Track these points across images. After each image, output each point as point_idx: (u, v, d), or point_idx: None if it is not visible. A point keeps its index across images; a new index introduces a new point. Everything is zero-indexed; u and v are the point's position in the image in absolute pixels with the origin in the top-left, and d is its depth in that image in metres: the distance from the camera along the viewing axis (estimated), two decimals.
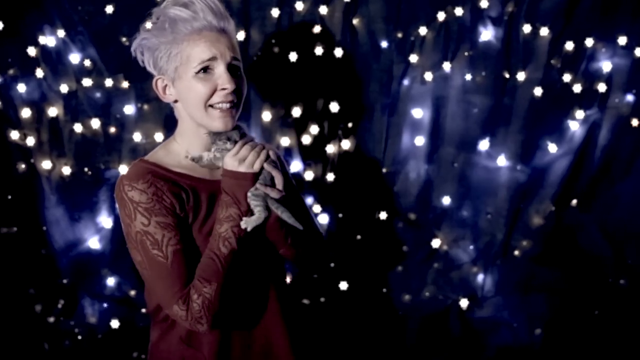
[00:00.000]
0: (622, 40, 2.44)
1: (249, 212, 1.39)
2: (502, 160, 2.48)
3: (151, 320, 1.54)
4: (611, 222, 2.54)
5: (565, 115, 2.47)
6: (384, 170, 2.49)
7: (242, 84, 1.43)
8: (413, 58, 2.43)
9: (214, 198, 1.43)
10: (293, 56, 2.37)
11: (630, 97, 2.47)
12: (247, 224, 1.38)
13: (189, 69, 1.37)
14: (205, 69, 1.37)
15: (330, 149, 2.45)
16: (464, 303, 2.54)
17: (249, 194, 1.38)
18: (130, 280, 2.46)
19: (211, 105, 1.39)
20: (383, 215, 2.48)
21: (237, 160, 1.38)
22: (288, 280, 2.32)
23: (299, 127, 2.44)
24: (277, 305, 1.50)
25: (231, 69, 1.40)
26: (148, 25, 1.43)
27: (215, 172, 1.48)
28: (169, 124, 2.34)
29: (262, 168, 1.40)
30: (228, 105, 1.39)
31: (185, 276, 1.36)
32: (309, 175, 2.45)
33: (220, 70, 1.37)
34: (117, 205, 1.43)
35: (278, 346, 1.49)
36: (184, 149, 1.46)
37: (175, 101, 1.45)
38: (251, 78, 2.38)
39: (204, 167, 1.47)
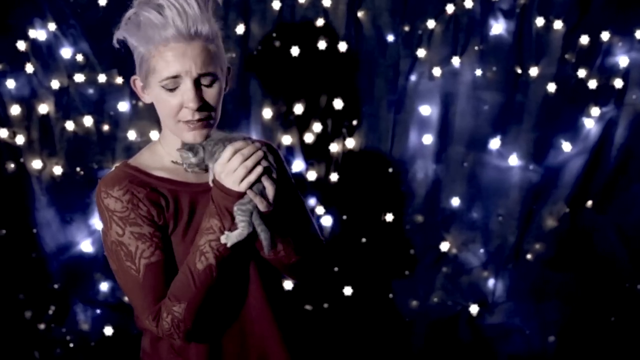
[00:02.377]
0: None
1: (234, 227, 1.31)
2: (513, 160, 2.46)
3: (140, 329, 1.51)
4: (628, 224, 2.52)
5: (580, 112, 2.45)
6: (390, 170, 2.47)
7: (214, 96, 1.35)
8: (421, 53, 2.42)
9: (197, 204, 1.38)
10: (295, 51, 2.37)
11: None
12: (228, 239, 1.29)
13: (155, 81, 1.32)
14: (171, 87, 1.31)
15: (334, 147, 2.44)
16: (474, 309, 2.52)
17: (235, 207, 1.29)
18: None
19: (179, 120, 1.34)
20: (389, 217, 2.47)
21: (225, 171, 1.29)
22: (290, 285, 2.33)
23: (301, 125, 2.43)
24: (272, 313, 1.45)
25: (199, 82, 1.31)
26: (126, 19, 1.35)
27: (200, 175, 1.42)
28: None
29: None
30: (197, 122, 1.33)
31: (157, 291, 1.32)
32: (311, 176, 2.44)
33: (185, 86, 1.30)
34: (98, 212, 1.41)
35: (274, 355, 1.45)
36: (166, 151, 1.42)
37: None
38: (251, 73, 2.38)
39: (189, 170, 1.41)
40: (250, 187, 1.27)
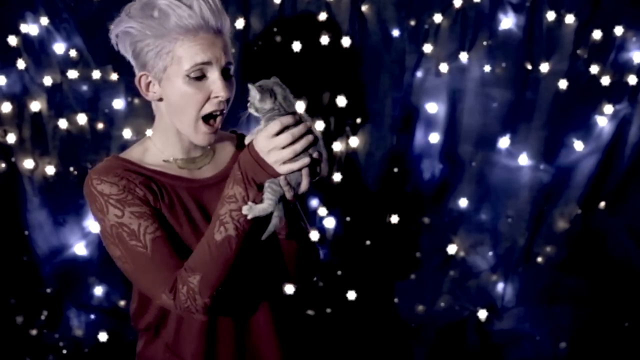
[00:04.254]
0: None
1: (259, 199, 1.27)
2: (523, 159, 2.44)
3: (136, 330, 1.53)
4: None
5: (593, 110, 2.44)
6: (396, 169, 2.46)
7: (232, 90, 1.39)
8: (427, 48, 2.40)
9: (192, 199, 1.39)
10: (297, 46, 2.34)
11: None
12: (250, 211, 1.25)
13: (180, 71, 1.32)
14: (198, 75, 1.33)
15: (337, 146, 2.42)
16: (482, 314, 2.51)
17: (267, 183, 1.25)
18: (119, 289, 2.43)
19: (202, 118, 1.36)
20: (394, 219, 2.45)
21: (269, 145, 1.22)
22: (291, 289, 2.31)
23: None
24: (270, 316, 1.46)
25: (224, 73, 1.36)
26: (134, 9, 1.34)
27: (194, 171, 1.43)
28: None
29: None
30: (219, 114, 1.37)
31: (169, 262, 1.31)
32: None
33: (214, 76, 1.34)
34: (88, 204, 1.39)
35: (269, 358, 1.48)
36: (159, 148, 1.43)
37: (160, 99, 1.40)
38: (251, 69, 2.37)
39: (183, 167, 1.42)
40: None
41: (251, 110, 1.26)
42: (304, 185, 1.25)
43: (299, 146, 1.21)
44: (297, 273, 1.51)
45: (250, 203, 1.25)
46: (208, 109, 1.34)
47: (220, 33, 1.34)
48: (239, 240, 1.26)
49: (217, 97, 1.33)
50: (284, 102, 1.24)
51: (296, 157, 1.20)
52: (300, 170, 1.22)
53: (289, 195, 1.25)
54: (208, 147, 1.44)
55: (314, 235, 2.37)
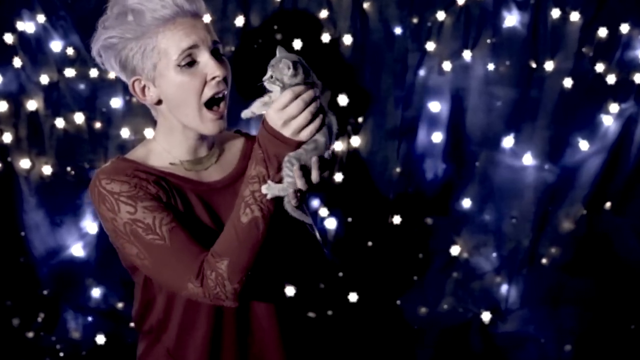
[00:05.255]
0: None
1: (278, 177, 1.24)
2: (528, 159, 2.43)
3: (138, 333, 1.52)
4: None
5: (598, 109, 2.42)
6: (398, 169, 2.45)
7: (228, 69, 1.38)
8: (430, 46, 2.38)
9: (201, 202, 1.37)
10: (297, 44, 2.33)
11: None
12: (269, 189, 1.23)
13: (170, 63, 1.31)
14: (189, 61, 1.31)
15: (339, 146, 2.42)
16: (486, 316, 2.50)
17: (286, 158, 1.22)
18: (117, 291, 2.42)
19: (205, 105, 1.34)
20: (397, 220, 2.44)
21: (282, 117, 1.20)
22: (292, 292, 2.32)
23: None
24: (274, 320, 1.46)
25: (214, 53, 1.34)
26: (109, 21, 1.34)
27: (202, 173, 1.42)
28: None
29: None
30: (221, 97, 1.35)
31: (191, 249, 1.28)
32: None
33: (204, 57, 1.32)
34: (94, 205, 1.37)
35: None
36: (165, 149, 1.41)
37: (158, 102, 1.38)
38: (251, 68, 2.32)
39: (190, 169, 1.41)
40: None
41: (269, 85, 1.22)
42: (314, 177, 1.23)
43: (312, 108, 1.19)
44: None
45: (269, 182, 1.22)
46: (208, 93, 1.32)
47: (197, 16, 1.33)
48: (266, 222, 1.24)
49: (213, 77, 1.31)
50: (308, 76, 1.22)
51: (311, 122, 1.19)
52: (320, 130, 1.20)
53: (300, 183, 1.21)
54: (215, 146, 1.43)
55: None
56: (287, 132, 1.19)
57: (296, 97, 1.17)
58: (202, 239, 1.30)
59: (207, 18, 1.35)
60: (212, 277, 1.24)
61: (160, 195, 1.31)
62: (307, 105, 1.18)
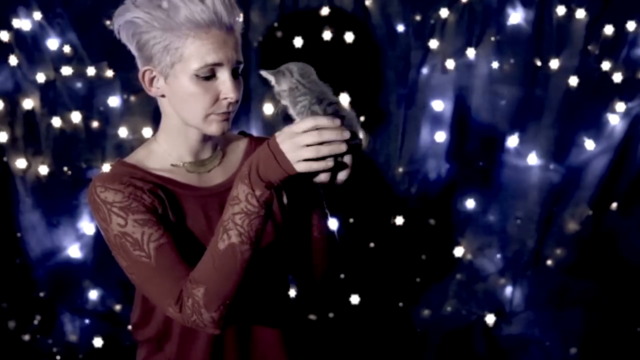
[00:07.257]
0: None
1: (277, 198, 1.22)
2: (533, 159, 2.43)
3: (136, 342, 1.51)
4: None
5: (604, 107, 2.41)
6: (400, 169, 2.44)
7: (241, 89, 1.35)
8: (433, 44, 2.37)
9: (201, 209, 1.35)
10: (298, 42, 2.32)
11: None
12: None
13: (188, 70, 1.27)
14: (208, 75, 1.28)
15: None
16: (490, 319, 2.50)
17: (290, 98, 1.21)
18: (115, 293, 2.42)
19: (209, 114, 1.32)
20: (399, 221, 2.44)
21: (293, 139, 1.13)
22: (292, 294, 2.29)
23: None
24: (277, 330, 1.45)
25: (233, 73, 1.32)
26: None
27: (203, 175, 1.40)
28: (158, 117, 2.29)
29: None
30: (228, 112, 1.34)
31: (174, 272, 1.25)
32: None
33: (224, 76, 1.29)
34: (91, 211, 1.36)
35: None
36: (166, 150, 1.39)
37: (162, 96, 1.36)
38: (252, 66, 2.35)
39: (192, 171, 1.38)
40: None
41: (283, 101, 1.20)
42: (322, 178, 1.17)
43: (325, 150, 1.11)
44: (323, 272, 1.51)
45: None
46: (216, 110, 1.30)
47: (232, 30, 1.28)
48: (245, 249, 1.17)
49: (226, 98, 1.29)
50: (302, 78, 1.18)
51: (317, 160, 1.12)
52: (317, 173, 1.14)
53: (324, 176, 1.15)
54: (218, 147, 1.41)
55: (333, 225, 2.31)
56: (289, 155, 1.13)
57: (317, 129, 1.11)
58: (196, 252, 1.26)
59: (238, 30, 1.31)
60: (189, 304, 1.21)
61: (156, 206, 1.28)
62: (323, 142, 1.11)
